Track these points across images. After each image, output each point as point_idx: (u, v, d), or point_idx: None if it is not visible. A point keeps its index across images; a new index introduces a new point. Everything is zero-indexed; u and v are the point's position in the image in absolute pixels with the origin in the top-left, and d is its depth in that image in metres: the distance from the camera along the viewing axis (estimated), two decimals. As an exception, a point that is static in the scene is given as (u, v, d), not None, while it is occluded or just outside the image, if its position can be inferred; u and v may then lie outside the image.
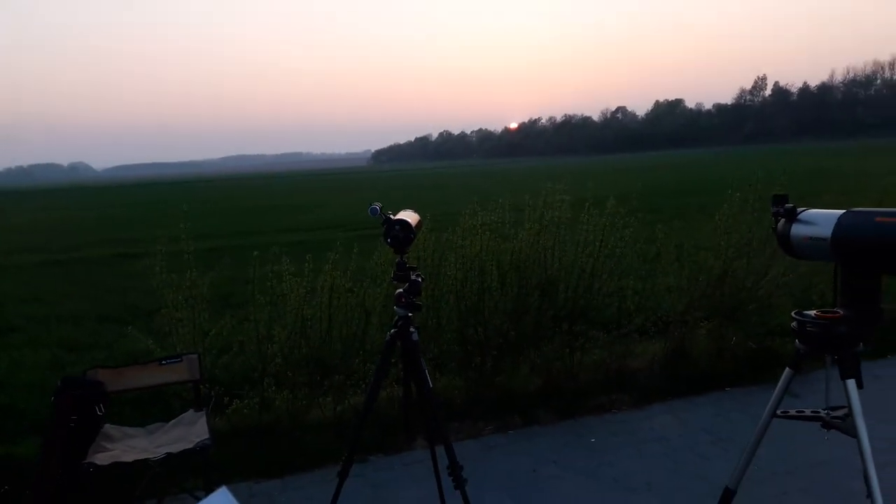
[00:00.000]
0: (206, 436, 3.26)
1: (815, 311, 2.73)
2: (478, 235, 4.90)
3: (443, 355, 5.04)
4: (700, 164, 53.79)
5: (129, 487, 3.35)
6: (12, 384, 6.02)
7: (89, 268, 15.43)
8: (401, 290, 2.92)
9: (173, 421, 3.65)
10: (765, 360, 5.31)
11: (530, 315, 5.07)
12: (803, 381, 4.17)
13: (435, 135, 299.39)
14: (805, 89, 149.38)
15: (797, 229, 2.73)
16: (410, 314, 2.95)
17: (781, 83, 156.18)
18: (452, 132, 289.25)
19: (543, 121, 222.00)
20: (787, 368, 2.87)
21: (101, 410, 3.40)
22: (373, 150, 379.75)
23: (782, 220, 2.80)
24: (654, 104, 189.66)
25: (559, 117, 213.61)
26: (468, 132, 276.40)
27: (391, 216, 2.85)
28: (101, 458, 3.07)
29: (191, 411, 3.70)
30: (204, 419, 3.52)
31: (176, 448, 3.19)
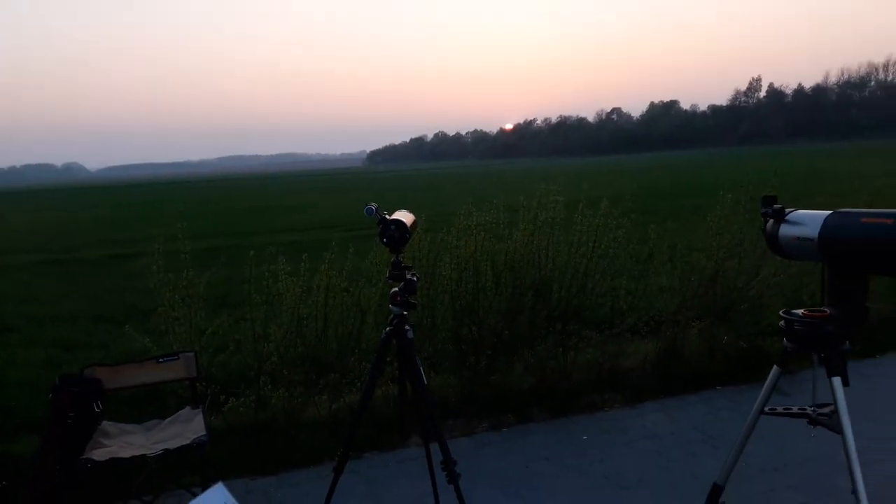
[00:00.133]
0: (203, 432, 3.30)
1: (802, 311, 2.77)
2: (472, 236, 4.95)
3: (437, 354, 5.08)
4: (695, 166, 53.90)
5: (126, 484, 3.39)
6: (7, 383, 6.04)
7: (86, 268, 15.46)
8: (396, 288, 2.97)
9: (170, 418, 3.70)
10: (756, 359, 5.35)
11: (524, 315, 5.12)
12: (792, 380, 4.26)
13: (430, 136, 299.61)
14: (800, 91, 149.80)
15: (785, 230, 2.77)
16: (406, 312, 3.00)
17: (776, 84, 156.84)
18: (448, 133, 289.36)
19: (539, 122, 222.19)
20: (775, 366, 2.92)
21: (98, 407, 3.44)
22: (368, 151, 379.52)
23: (771, 221, 2.85)
24: (650, 105, 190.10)
25: (554, 118, 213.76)
26: (463, 133, 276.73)
27: (387, 216, 2.90)
28: (99, 454, 3.10)
29: (187, 408, 3.74)
30: (200, 416, 3.55)
31: (173, 444, 3.23)
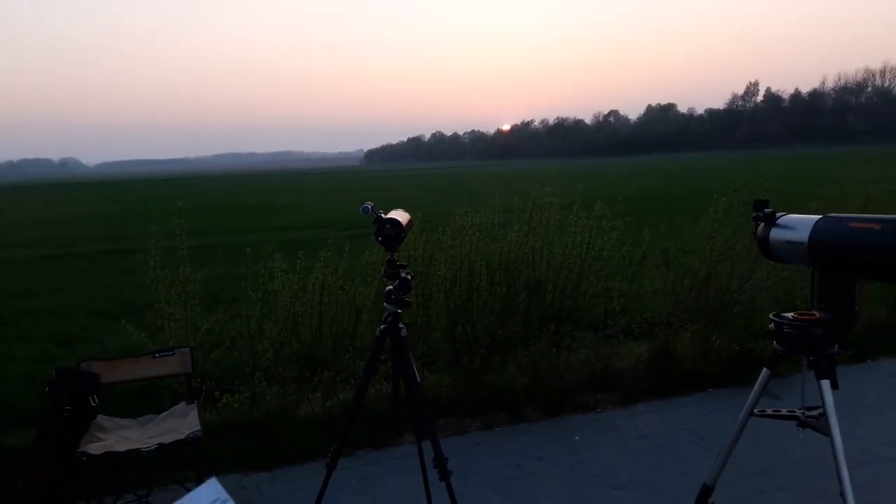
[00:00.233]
0: (198, 427, 3.33)
1: (792, 314, 2.81)
2: (468, 236, 4.98)
3: (432, 353, 5.12)
4: (691, 169, 53.95)
5: (121, 478, 3.42)
6: (3, 377, 6.05)
7: (82, 263, 15.46)
8: (391, 286, 3.00)
9: (165, 413, 3.72)
10: (748, 362, 5.39)
11: (518, 315, 5.15)
12: (783, 384, 4.29)
13: (427, 135, 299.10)
14: (797, 95, 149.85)
15: (776, 233, 2.81)
16: (400, 311, 3.03)
17: (773, 89, 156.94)
18: (445, 133, 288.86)
19: (536, 123, 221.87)
20: (765, 368, 2.95)
21: (94, 401, 3.47)
22: (365, 150, 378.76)
23: (762, 225, 2.88)
24: (647, 108, 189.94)
25: (552, 120, 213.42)
26: (461, 133, 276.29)
27: (382, 215, 2.93)
28: (94, 448, 3.13)
29: (182, 404, 3.77)
30: (195, 411, 3.58)
31: (167, 439, 3.26)
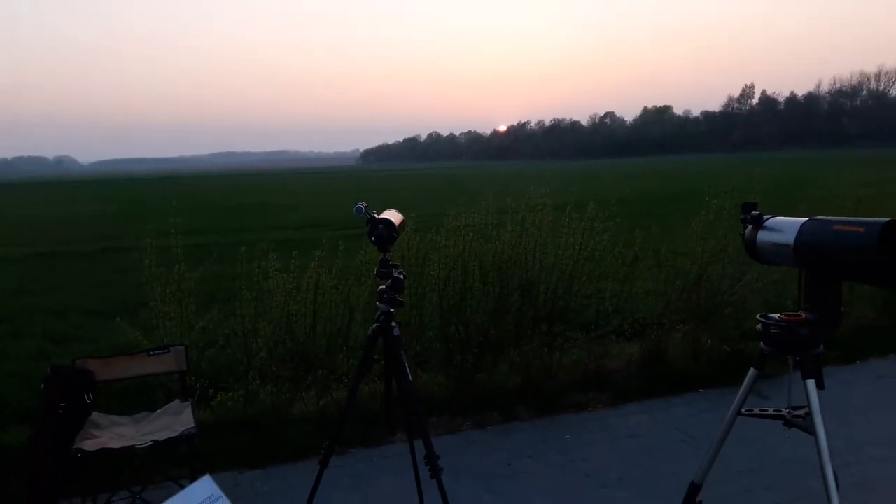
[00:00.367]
0: (192, 425, 3.35)
1: (778, 314, 2.85)
2: (461, 236, 5.02)
3: (425, 352, 5.15)
4: (687, 171, 54.03)
5: (115, 475, 3.45)
6: (-2, 375, 6.07)
7: (77, 261, 15.45)
8: (384, 286, 3.04)
9: (159, 410, 3.75)
10: (738, 362, 5.42)
11: (511, 315, 5.19)
12: (773, 384, 4.33)
13: (424, 136, 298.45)
14: (792, 98, 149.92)
15: (763, 236, 2.85)
16: (392, 310, 3.07)
17: (769, 92, 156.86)
18: (441, 133, 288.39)
19: (532, 124, 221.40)
20: (752, 368, 2.99)
21: (89, 398, 3.49)
22: (361, 150, 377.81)
23: (749, 227, 2.92)
24: (643, 110, 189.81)
25: (548, 121, 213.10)
26: (457, 134, 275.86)
27: (375, 215, 2.97)
28: (89, 445, 3.16)
29: (176, 401, 3.80)
30: (189, 409, 3.61)
31: (162, 436, 3.29)
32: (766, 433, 3.54)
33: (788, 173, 34.32)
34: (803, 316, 2.77)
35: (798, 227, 2.69)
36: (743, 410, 3.04)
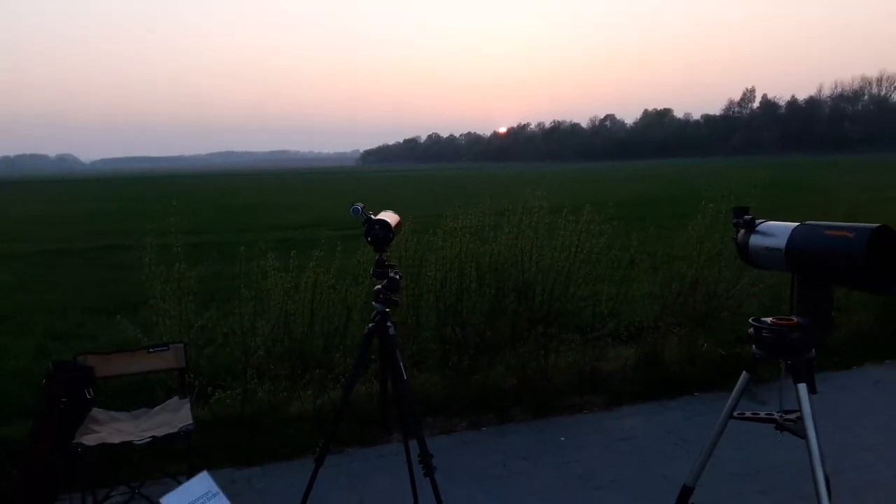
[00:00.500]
0: (190, 421, 3.39)
1: (770, 318, 2.88)
2: (458, 238, 5.05)
3: (421, 353, 5.18)
4: (687, 175, 54.02)
5: (115, 471, 3.48)
6: (-1, 371, 6.10)
7: (77, 259, 15.48)
8: (379, 286, 3.08)
9: (158, 407, 3.78)
10: (734, 366, 5.40)
11: (507, 316, 5.22)
12: (769, 388, 4.36)
13: (424, 137, 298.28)
14: (793, 103, 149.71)
15: (755, 240, 2.88)
16: (388, 309, 3.10)
17: (770, 96, 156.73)
18: (441, 135, 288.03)
19: (532, 126, 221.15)
20: (744, 372, 3.02)
21: (89, 394, 3.53)
22: (361, 151, 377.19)
23: (742, 231, 2.96)
24: (643, 113, 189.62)
25: (548, 123, 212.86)
26: (457, 135, 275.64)
27: (372, 216, 3.01)
28: (89, 440, 3.19)
29: (175, 398, 3.83)
30: (188, 406, 3.64)
31: (160, 432, 3.32)
32: (758, 436, 3.57)
33: (788, 177, 34.29)
34: (795, 320, 2.80)
35: (790, 231, 2.72)
36: (735, 414, 3.07)
